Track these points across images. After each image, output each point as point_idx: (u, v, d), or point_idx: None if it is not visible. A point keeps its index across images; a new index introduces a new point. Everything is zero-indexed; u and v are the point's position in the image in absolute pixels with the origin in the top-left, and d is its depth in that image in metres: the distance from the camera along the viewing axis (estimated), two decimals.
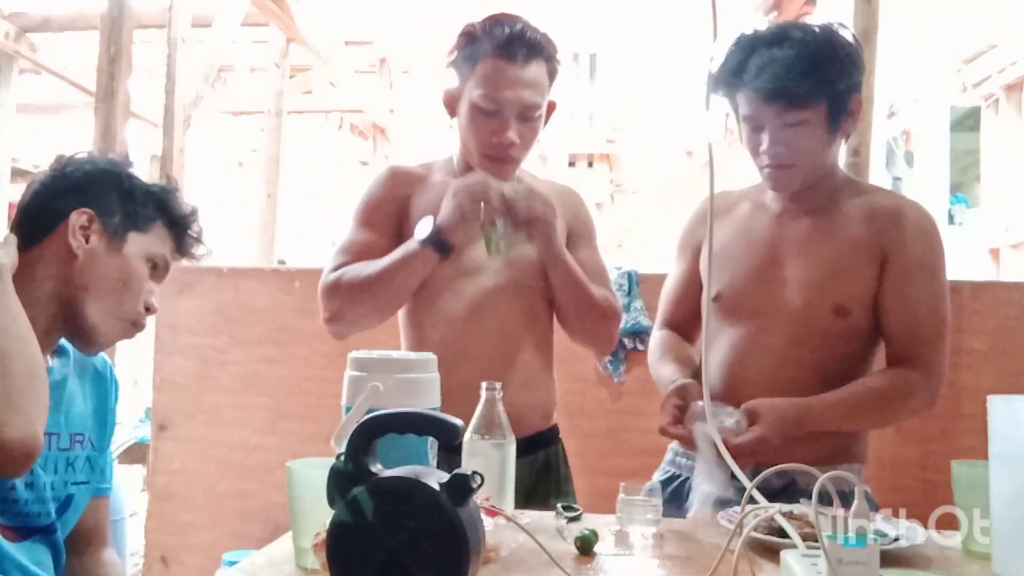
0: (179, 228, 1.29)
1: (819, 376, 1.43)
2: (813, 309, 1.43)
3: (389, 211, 1.61)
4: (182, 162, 3.17)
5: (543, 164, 6.95)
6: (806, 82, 1.36)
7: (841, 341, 1.44)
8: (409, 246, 1.47)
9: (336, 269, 1.55)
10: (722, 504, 1.29)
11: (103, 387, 1.33)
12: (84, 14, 4.48)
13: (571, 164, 7.76)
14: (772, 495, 1.24)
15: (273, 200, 5.10)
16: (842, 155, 1.62)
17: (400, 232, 1.58)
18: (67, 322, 1.21)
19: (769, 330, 1.45)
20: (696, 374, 1.49)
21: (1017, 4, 4.13)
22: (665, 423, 1.40)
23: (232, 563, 2.33)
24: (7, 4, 4.85)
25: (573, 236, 1.65)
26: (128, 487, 3.38)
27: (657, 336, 1.66)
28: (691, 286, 1.60)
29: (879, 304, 1.44)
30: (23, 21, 5.05)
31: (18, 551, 1.16)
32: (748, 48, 1.43)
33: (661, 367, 1.57)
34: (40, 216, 1.21)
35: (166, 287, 2.78)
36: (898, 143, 5.79)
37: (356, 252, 1.57)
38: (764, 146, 1.43)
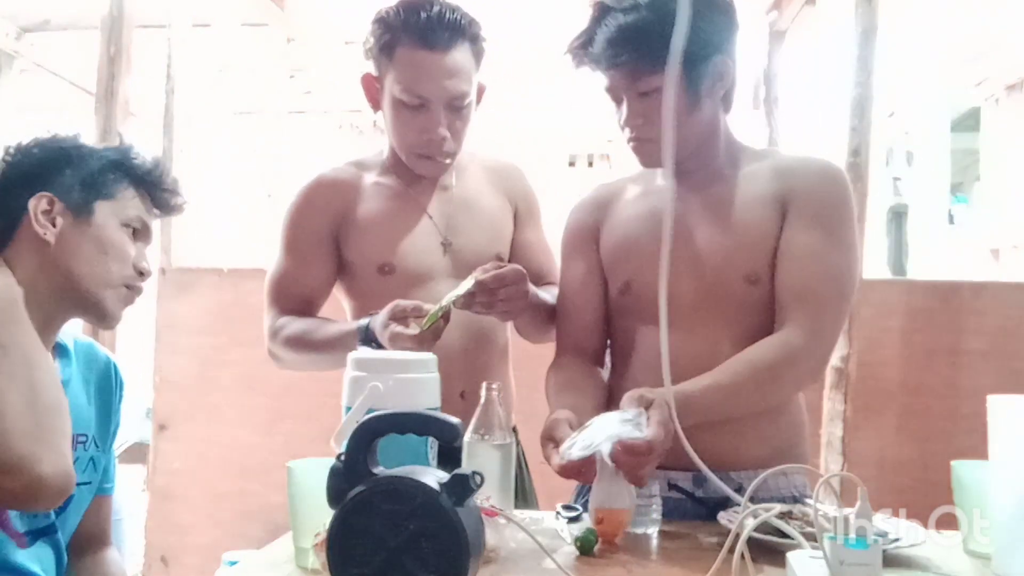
0: (147, 185, 1.25)
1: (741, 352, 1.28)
2: (724, 281, 1.30)
3: (318, 228, 1.52)
4: (182, 162, 3.17)
5: (543, 164, 6.94)
6: (652, 46, 1.23)
7: (756, 312, 1.30)
8: (350, 328, 1.41)
9: (274, 309, 1.53)
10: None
11: (108, 386, 1.32)
12: (84, 14, 4.47)
13: (571, 164, 7.76)
14: (719, 503, 1.20)
15: (273, 200, 5.10)
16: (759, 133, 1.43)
17: (336, 247, 1.53)
18: (74, 305, 1.20)
19: (684, 313, 1.30)
20: (600, 404, 1.34)
21: (1017, 4, 4.13)
22: (556, 463, 1.14)
23: (232, 563, 2.34)
24: (7, 4, 4.84)
25: (520, 216, 1.62)
26: (128, 487, 3.38)
27: (555, 368, 1.43)
28: (593, 285, 1.43)
29: (775, 259, 1.30)
30: (23, 21, 5.04)
31: (27, 557, 1.16)
32: (599, 17, 1.30)
33: (556, 402, 1.34)
34: (2, 215, 1.19)
35: (166, 287, 2.80)
36: (898, 143, 5.79)
37: (290, 289, 1.53)
38: (623, 119, 1.33)
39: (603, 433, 1.09)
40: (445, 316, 1.32)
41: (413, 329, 1.31)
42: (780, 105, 3.81)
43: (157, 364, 2.67)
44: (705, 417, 1.19)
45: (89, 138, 2.76)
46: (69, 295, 1.19)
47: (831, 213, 1.31)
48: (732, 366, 1.25)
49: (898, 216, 5.63)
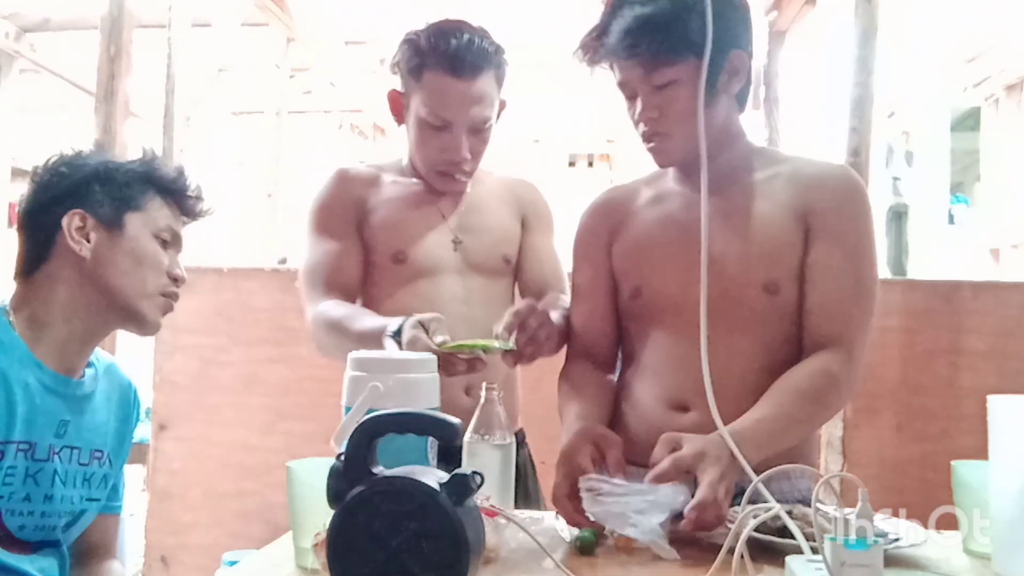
0: (173, 193, 1.28)
1: (762, 363, 1.27)
2: (741, 288, 1.27)
3: (345, 215, 1.57)
4: (182, 162, 3.17)
5: (543, 164, 6.94)
6: (669, 37, 1.24)
7: (773, 322, 1.28)
8: (378, 326, 1.37)
9: (314, 298, 1.53)
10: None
11: (127, 407, 1.34)
12: (84, 14, 4.47)
13: (571, 164, 7.76)
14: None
15: (273, 200, 5.11)
16: (753, 130, 1.40)
17: (360, 234, 1.56)
18: (115, 317, 1.23)
19: (697, 320, 1.26)
20: (607, 411, 1.35)
21: (1017, 4, 4.13)
22: (561, 496, 1.15)
23: (232, 563, 2.33)
24: (7, 4, 4.84)
25: (529, 223, 1.65)
26: (128, 487, 3.38)
27: (564, 376, 1.42)
28: (604, 290, 1.42)
29: (803, 276, 1.28)
30: (23, 21, 5.05)
31: (31, 564, 1.16)
32: (614, 10, 1.29)
33: (565, 410, 1.35)
34: (37, 234, 1.22)
35: None
36: (898, 143, 5.79)
37: (326, 269, 1.54)
38: (637, 114, 1.31)
39: (637, 512, 1.08)
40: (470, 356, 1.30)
41: (437, 339, 1.28)
42: (780, 105, 3.82)
43: (157, 364, 2.67)
44: (759, 453, 1.16)
45: (89, 138, 2.77)
46: (109, 307, 1.21)
47: (856, 229, 1.30)
48: (777, 398, 1.22)
49: (898, 216, 5.64)
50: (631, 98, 1.33)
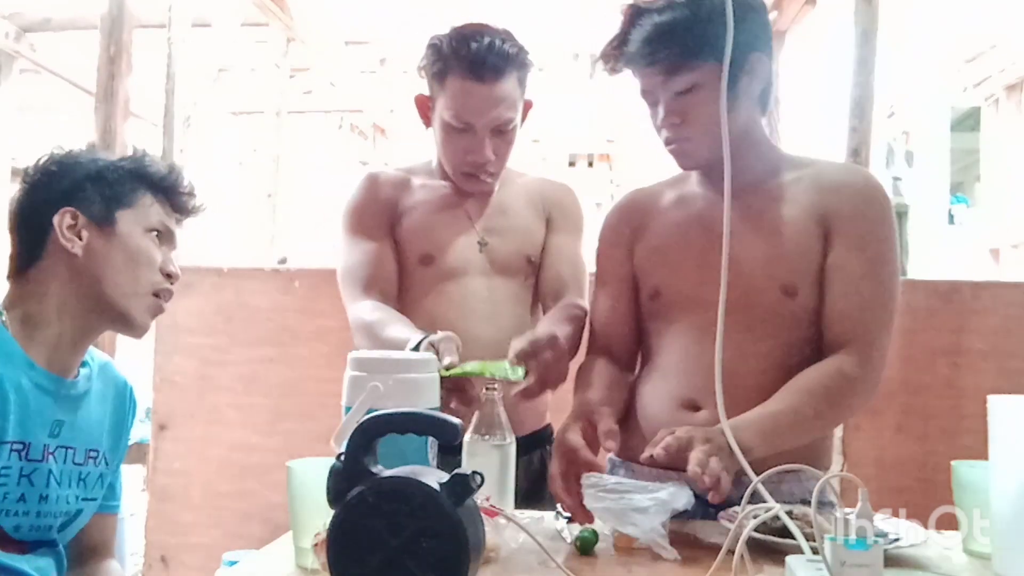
0: (165, 190, 1.28)
1: (777, 366, 1.27)
2: (759, 290, 1.28)
3: (379, 217, 1.60)
4: (182, 162, 3.17)
5: (543, 164, 6.95)
6: (688, 42, 1.26)
7: (790, 325, 1.29)
8: (402, 339, 1.37)
9: (352, 296, 1.55)
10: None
11: (122, 406, 1.34)
12: (84, 14, 4.47)
13: (571, 164, 7.78)
14: (726, 505, 1.15)
15: (273, 200, 5.11)
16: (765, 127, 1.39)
17: (392, 235, 1.58)
18: (104, 316, 1.22)
19: (715, 321, 1.24)
20: (616, 400, 1.35)
21: (1017, 4, 4.13)
22: (555, 474, 1.19)
23: (232, 563, 2.33)
24: (7, 4, 4.84)
25: (554, 224, 1.66)
26: (128, 487, 3.38)
27: (583, 367, 1.43)
28: (626, 294, 1.43)
29: (822, 280, 1.29)
30: (23, 21, 5.05)
31: (24, 563, 1.16)
32: (632, 19, 1.31)
33: (578, 392, 1.38)
34: (29, 233, 1.21)
35: None
36: (898, 143, 5.79)
37: (363, 269, 1.55)
38: (659, 120, 1.33)
39: (637, 510, 1.08)
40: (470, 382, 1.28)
41: (445, 361, 1.26)
42: (780, 105, 3.82)
43: (157, 364, 2.66)
44: (763, 444, 1.16)
45: (89, 138, 2.76)
46: (98, 306, 1.21)
47: (876, 232, 1.30)
48: (786, 395, 1.23)
49: (898, 216, 5.63)
50: (653, 105, 1.34)
